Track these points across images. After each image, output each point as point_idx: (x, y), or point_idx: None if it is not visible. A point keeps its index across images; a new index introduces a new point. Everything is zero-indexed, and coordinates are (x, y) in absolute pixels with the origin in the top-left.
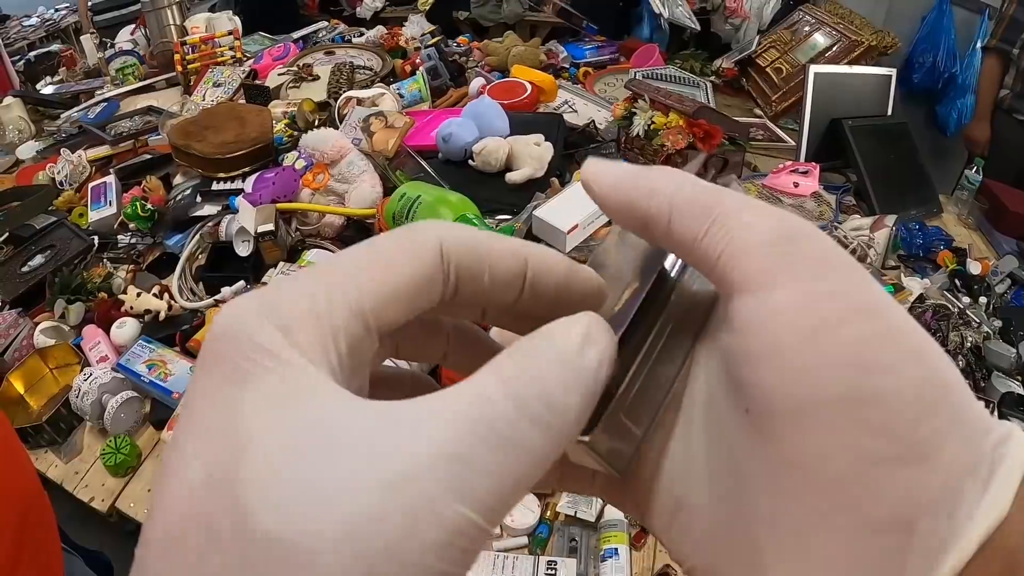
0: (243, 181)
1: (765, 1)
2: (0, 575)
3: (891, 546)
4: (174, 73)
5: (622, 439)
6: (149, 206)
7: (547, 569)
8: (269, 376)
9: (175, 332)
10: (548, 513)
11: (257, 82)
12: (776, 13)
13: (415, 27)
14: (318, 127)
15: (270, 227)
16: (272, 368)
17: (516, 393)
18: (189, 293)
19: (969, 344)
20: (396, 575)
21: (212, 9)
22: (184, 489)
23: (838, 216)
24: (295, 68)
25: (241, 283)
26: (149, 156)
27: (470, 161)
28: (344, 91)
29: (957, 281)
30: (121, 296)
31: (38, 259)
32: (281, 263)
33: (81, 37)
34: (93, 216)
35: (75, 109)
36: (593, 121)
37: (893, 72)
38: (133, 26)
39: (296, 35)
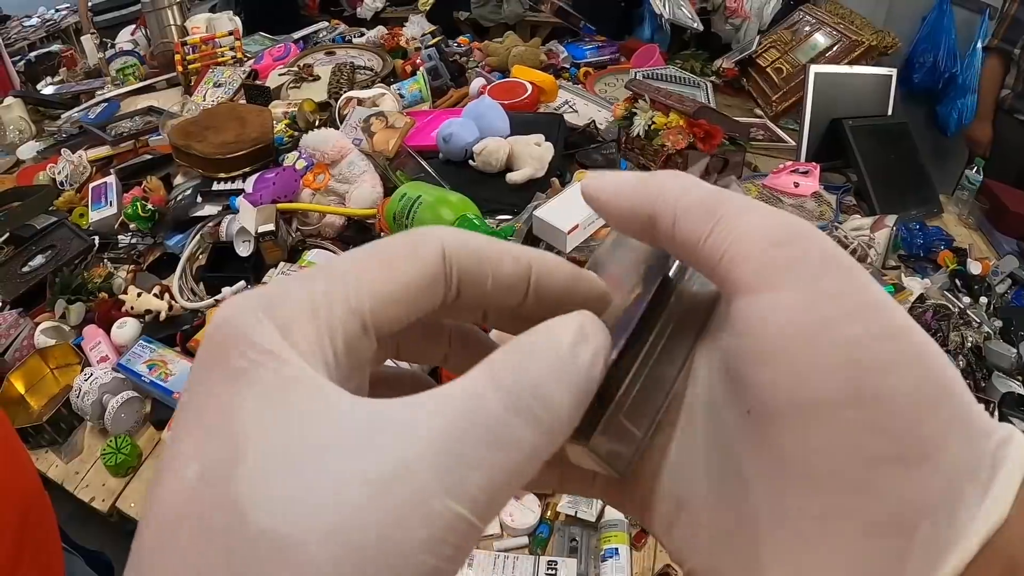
0: (243, 181)
1: (765, 1)
2: (1, 575)
3: (892, 547)
4: (174, 73)
5: (622, 441)
6: (150, 206)
7: (547, 569)
8: (265, 374)
9: (176, 332)
10: (548, 513)
11: (258, 82)
12: (776, 13)
13: (415, 27)
14: (319, 127)
15: (271, 227)
16: (269, 366)
17: (507, 389)
18: (190, 293)
19: (969, 344)
20: (387, 570)
21: (213, 9)
22: (179, 484)
23: (838, 216)
24: (296, 68)
25: (242, 283)
26: (150, 156)
27: (471, 161)
28: (344, 91)
29: (957, 281)
30: (122, 296)
31: (39, 259)
32: (282, 263)
33: (81, 37)
34: (94, 216)
35: (75, 109)
36: (593, 121)
37: (893, 72)
38: (133, 26)
39: (297, 35)
